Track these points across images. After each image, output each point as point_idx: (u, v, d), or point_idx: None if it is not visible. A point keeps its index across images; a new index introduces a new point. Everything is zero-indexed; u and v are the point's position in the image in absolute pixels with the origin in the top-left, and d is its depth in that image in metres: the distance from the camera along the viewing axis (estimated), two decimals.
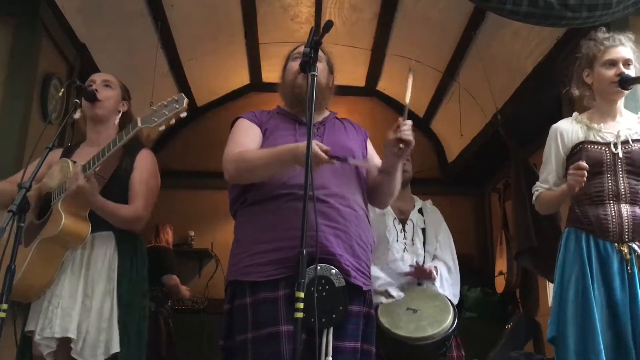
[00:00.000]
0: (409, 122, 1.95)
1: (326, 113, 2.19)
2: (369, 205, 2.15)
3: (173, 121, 2.01)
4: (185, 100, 1.99)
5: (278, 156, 1.89)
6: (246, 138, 2.05)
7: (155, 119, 2.00)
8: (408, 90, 2.02)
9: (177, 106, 1.99)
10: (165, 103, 2.00)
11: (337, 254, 1.87)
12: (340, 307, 1.86)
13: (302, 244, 1.55)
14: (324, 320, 1.81)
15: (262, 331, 1.81)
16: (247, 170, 1.94)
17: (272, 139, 2.05)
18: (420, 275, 2.61)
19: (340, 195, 1.95)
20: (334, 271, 1.86)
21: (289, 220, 1.84)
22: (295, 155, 1.83)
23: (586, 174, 2.08)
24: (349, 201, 1.97)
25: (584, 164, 2.09)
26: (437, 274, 2.64)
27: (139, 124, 2.02)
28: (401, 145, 1.92)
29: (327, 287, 1.83)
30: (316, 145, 1.77)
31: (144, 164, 2.30)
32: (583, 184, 2.09)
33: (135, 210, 2.21)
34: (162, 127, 2.02)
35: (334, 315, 1.84)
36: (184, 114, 2.00)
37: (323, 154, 1.79)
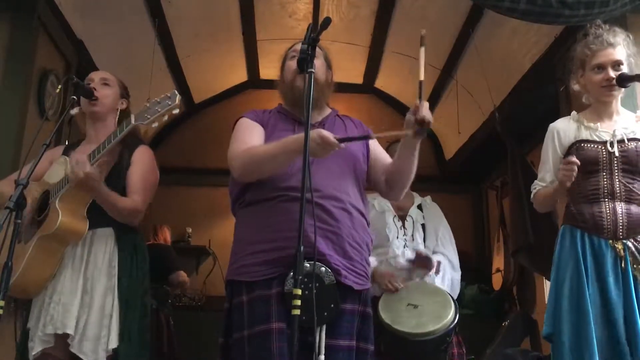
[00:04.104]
0: (426, 103, 1.92)
1: (327, 111, 2.18)
2: (368, 204, 2.14)
3: (166, 118, 2.00)
4: (178, 97, 1.99)
5: (286, 146, 1.88)
6: (250, 136, 2.05)
7: (149, 116, 2.00)
8: (421, 65, 1.95)
9: (169, 103, 1.98)
10: (158, 100, 2.00)
11: (325, 253, 1.88)
12: (332, 305, 1.86)
13: (300, 242, 1.55)
14: (315, 317, 1.80)
15: (255, 329, 1.83)
16: (255, 163, 1.93)
17: (271, 139, 2.04)
18: (421, 264, 2.61)
19: (333, 197, 1.94)
20: (323, 269, 1.86)
21: (281, 222, 1.86)
22: (302, 144, 1.81)
23: (576, 169, 2.09)
24: (342, 203, 1.96)
25: (574, 159, 2.10)
26: (439, 268, 2.64)
27: (133, 121, 2.02)
28: (422, 124, 1.89)
29: (317, 284, 1.82)
30: (325, 132, 1.79)
31: (142, 159, 2.30)
32: (573, 179, 2.10)
33: (133, 203, 2.21)
34: (155, 124, 2.02)
35: (325, 313, 1.84)
36: (176, 111, 1.99)
37: (333, 139, 1.79)
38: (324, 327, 1.85)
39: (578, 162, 2.10)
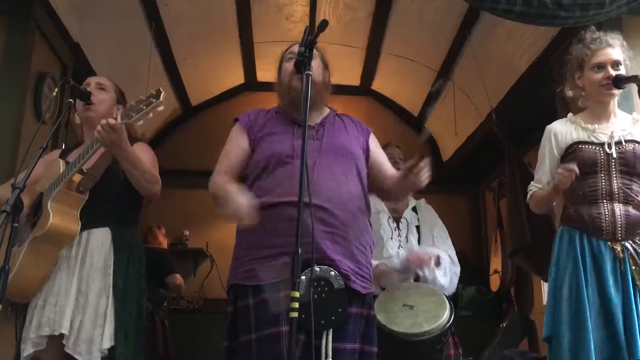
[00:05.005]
0: (424, 166, 1.92)
1: (326, 112, 2.17)
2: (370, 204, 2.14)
3: (151, 115, 2.01)
4: (163, 94, 2.00)
5: (218, 197, 1.92)
6: (231, 153, 2.10)
7: (133, 114, 2.01)
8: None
9: (154, 100, 1.99)
10: (144, 97, 2.01)
11: (335, 259, 1.88)
12: (340, 309, 1.86)
13: (297, 244, 1.55)
14: (323, 322, 1.80)
15: (264, 332, 1.83)
16: (212, 195, 2.01)
17: (269, 142, 2.04)
18: (417, 262, 2.60)
19: (339, 200, 1.94)
20: (333, 273, 1.86)
21: (288, 227, 1.84)
22: (220, 205, 1.85)
23: (574, 176, 2.09)
24: (348, 205, 1.97)
25: (574, 167, 2.09)
26: (440, 261, 2.64)
27: (118, 119, 2.02)
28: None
29: (326, 288, 1.83)
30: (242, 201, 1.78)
31: (140, 153, 2.28)
32: (568, 185, 2.11)
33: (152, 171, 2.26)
34: (141, 122, 2.02)
35: (333, 317, 1.84)
36: (161, 108, 2.00)
37: (243, 210, 1.77)
38: (331, 330, 1.85)
39: (577, 170, 2.09)
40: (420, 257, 2.57)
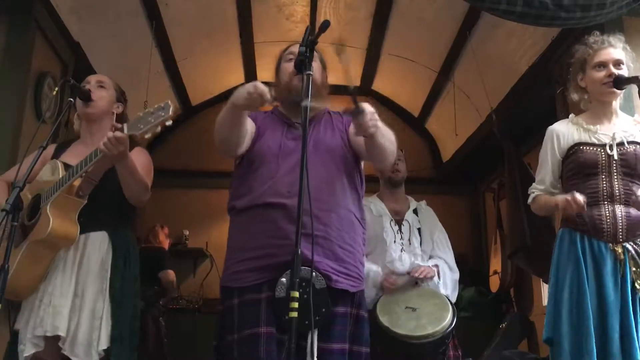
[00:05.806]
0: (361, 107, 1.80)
1: (317, 111, 2.16)
2: (364, 208, 2.13)
3: (159, 129, 2.00)
4: (171, 108, 1.98)
5: (228, 103, 1.90)
6: None
7: (141, 126, 2.00)
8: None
9: (162, 114, 1.97)
10: (152, 110, 1.99)
11: (315, 260, 1.86)
12: (323, 309, 1.86)
13: (297, 244, 1.55)
14: (307, 322, 1.79)
15: (244, 332, 1.85)
16: (216, 129, 1.97)
17: (262, 140, 2.06)
18: (419, 278, 2.62)
19: (320, 200, 1.93)
20: (313, 274, 1.86)
21: (268, 229, 1.89)
22: (235, 97, 1.84)
23: (583, 208, 2.08)
24: (329, 204, 1.97)
25: (583, 199, 2.07)
26: (439, 271, 2.65)
27: (125, 131, 2.02)
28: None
29: (307, 289, 1.83)
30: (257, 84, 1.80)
31: (138, 159, 2.27)
32: (573, 213, 2.11)
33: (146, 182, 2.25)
34: (148, 135, 2.02)
35: (317, 317, 1.84)
36: (169, 122, 1.99)
37: (266, 92, 1.79)
38: (316, 331, 1.85)
39: (584, 202, 2.08)
40: (421, 274, 2.59)
